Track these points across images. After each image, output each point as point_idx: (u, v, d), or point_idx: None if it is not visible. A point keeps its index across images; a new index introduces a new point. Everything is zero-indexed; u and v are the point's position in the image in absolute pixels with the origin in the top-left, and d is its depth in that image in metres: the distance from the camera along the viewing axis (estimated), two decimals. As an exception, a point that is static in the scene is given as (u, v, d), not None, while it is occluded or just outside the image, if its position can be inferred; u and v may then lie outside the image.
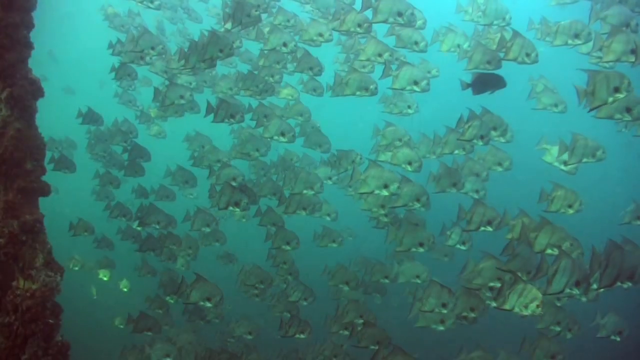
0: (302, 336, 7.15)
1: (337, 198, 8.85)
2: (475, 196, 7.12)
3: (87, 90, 17.30)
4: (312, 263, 9.32)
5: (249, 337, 8.10)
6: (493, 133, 6.60)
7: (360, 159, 7.79)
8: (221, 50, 6.58)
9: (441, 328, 6.42)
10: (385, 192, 6.39)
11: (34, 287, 4.98)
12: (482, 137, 6.52)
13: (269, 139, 7.77)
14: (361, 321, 6.86)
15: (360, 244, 10.14)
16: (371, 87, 6.98)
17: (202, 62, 6.65)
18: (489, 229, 6.33)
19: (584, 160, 5.94)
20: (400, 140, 7.51)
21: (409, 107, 7.55)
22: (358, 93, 7.04)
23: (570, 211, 6.09)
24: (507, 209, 6.29)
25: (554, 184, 6.27)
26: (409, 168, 6.96)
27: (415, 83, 6.82)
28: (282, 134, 7.53)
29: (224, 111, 7.26)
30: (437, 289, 5.91)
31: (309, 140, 8.33)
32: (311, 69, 7.62)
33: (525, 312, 5.01)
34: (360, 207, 7.85)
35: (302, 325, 7.12)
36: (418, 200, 6.52)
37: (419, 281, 6.93)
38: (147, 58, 7.68)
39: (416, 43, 7.11)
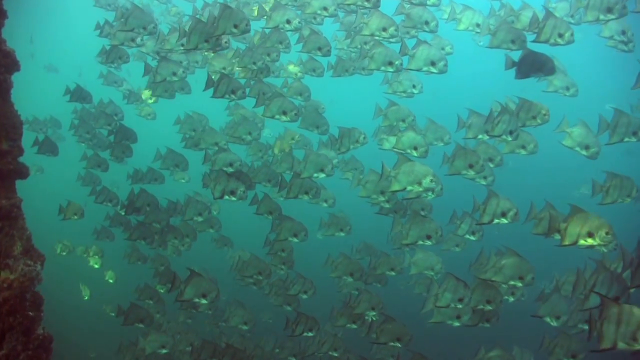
0: (310, 334, 6.72)
1: (329, 182, 8.44)
2: (483, 182, 6.77)
3: (71, 71, 16.78)
4: (307, 250, 8.96)
5: (245, 327, 7.74)
6: (532, 122, 6.14)
7: (364, 138, 7.32)
8: (236, 26, 5.98)
9: (457, 324, 6.05)
10: (418, 188, 5.87)
11: (12, 277, 4.65)
12: (510, 132, 6.09)
13: (268, 118, 7.25)
14: (373, 313, 6.47)
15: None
16: (396, 62, 6.56)
17: (206, 41, 6.07)
18: (504, 221, 5.83)
19: (625, 139, 5.55)
20: (403, 120, 7.10)
21: (414, 86, 7.13)
22: (383, 68, 6.63)
23: (628, 200, 5.65)
24: (533, 202, 5.87)
25: (608, 173, 5.81)
26: (415, 153, 6.55)
27: (433, 64, 6.41)
28: (284, 113, 7.06)
29: (225, 86, 6.76)
30: (453, 283, 5.55)
31: (306, 121, 7.87)
32: (320, 49, 7.13)
33: (638, 346, 4.00)
34: (358, 194, 7.40)
35: (309, 322, 6.67)
36: (432, 190, 6.09)
37: (432, 273, 6.56)
38: (138, 39, 7.17)
39: (427, 23, 6.68)
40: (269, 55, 7.66)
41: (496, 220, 5.79)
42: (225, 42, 6.64)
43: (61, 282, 11.13)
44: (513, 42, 6.23)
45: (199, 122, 8.39)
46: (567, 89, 7.02)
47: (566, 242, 5.00)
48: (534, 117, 6.22)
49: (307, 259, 9.01)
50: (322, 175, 6.96)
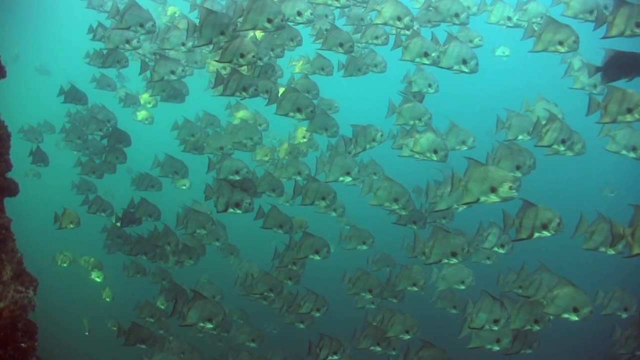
0: (335, 357, 6.11)
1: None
2: (507, 187, 6.29)
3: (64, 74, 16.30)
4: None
5: (252, 344, 7.31)
6: (626, 116, 5.07)
7: (382, 136, 6.75)
8: (269, 21, 5.38)
9: (497, 348, 5.50)
10: (494, 198, 4.84)
11: (1, 306, 4.22)
12: (563, 141, 5.46)
13: (282, 116, 6.64)
14: (408, 337, 5.96)
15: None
16: (433, 54, 5.99)
17: (222, 33, 5.38)
18: (546, 234, 5.00)
19: None
20: (420, 119, 6.61)
21: (429, 85, 6.66)
22: (417, 60, 6.09)
23: None
24: (583, 213, 5.32)
25: None
26: (434, 157, 6.01)
27: (464, 62, 5.89)
28: (298, 110, 6.50)
29: (235, 83, 6.16)
30: (488, 303, 5.07)
31: (314, 122, 7.36)
32: (341, 45, 6.61)
33: None
34: (369, 202, 6.77)
35: (334, 345, 6.05)
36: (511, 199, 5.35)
37: (462, 287, 6.06)
38: (135, 41, 6.64)
39: (456, 15, 6.19)
40: (272, 50, 7.16)
41: (537, 234, 4.98)
42: (253, 57, 5.94)
43: (61, 289, 10.78)
44: (561, 43, 5.53)
45: (206, 124, 7.92)
46: (595, 86, 6.53)
47: (637, 251, 4.33)
48: (629, 111, 5.14)
49: (314, 269, 8.58)
50: (348, 179, 6.44)
